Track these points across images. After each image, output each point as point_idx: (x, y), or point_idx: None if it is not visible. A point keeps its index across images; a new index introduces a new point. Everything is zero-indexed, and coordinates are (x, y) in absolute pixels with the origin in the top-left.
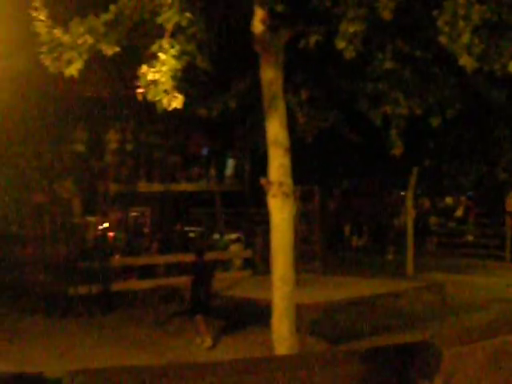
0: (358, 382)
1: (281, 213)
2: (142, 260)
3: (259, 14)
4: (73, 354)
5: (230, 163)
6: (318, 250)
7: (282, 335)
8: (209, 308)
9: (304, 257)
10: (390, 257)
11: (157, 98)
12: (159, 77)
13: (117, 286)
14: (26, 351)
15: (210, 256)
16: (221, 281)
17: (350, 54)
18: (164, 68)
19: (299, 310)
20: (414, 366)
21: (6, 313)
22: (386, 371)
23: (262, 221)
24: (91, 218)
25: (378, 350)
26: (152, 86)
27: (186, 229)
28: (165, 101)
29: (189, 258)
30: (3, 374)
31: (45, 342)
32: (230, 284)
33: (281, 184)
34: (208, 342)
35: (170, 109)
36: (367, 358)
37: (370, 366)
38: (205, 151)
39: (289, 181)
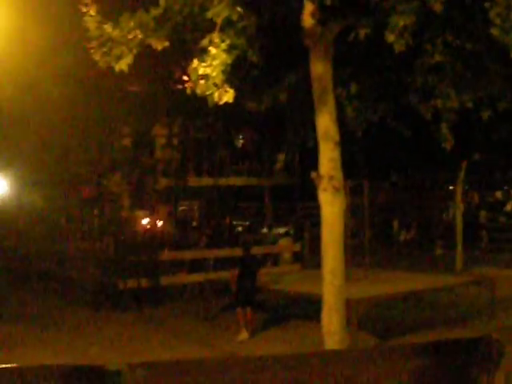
0: (417, 377)
1: (331, 207)
2: (190, 254)
3: (309, 7)
4: (122, 347)
5: (280, 157)
6: (367, 244)
7: (332, 329)
8: (254, 301)
9: (353, 251)
10: (438, 251)
11: (207, 93)
12: (210, 71)
13: (166, 280)
14: (76, 344)
15: (258, 250)
16: (270, 275)
17: (399, 47)
18: (215, 62)
19: (348, 304)
20: (476, 361)
21: (55, 306)
22: (447, 366)
23: (311, 215)
24: (140, 212)
25: (439, 344)
26: (203, 81)
27: (235, 223)
28: (216, 95)
29: (237, 252)
30: (63, 366)
31: (94, 335)
32: (279, 278)
33: (331, 178)
34: (244, 334)
35: (221, 103)
36: (427, 353)
37: (430, 360)
38: (254, 145)
39: (339, 175)
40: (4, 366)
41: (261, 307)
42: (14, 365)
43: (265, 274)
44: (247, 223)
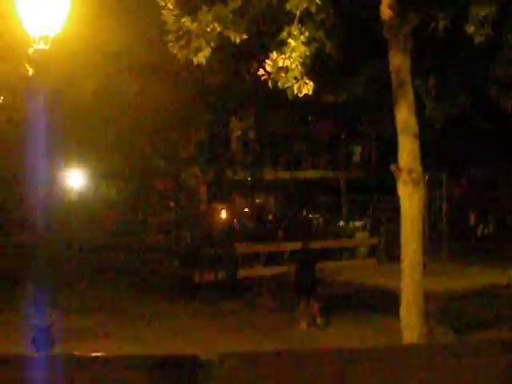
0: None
1: (410, 200)
2: (267, 247)
3: None
4: (198, 339)
5: (357, 150)
6: (445, 238)
7: (411, 323)
8: (316, 293)
9: (430, 245)
10: None
11: (287, 85)
12: (289, 63)
13: (242, 273)
14: (155, 335)
15: (335, 243)
16: (346, 268)
17: (479, 38)
18: (294, 54)
19: (426, 298)
20: None
21: (132, 298)
22: None
23: (387, 208)
24: (217, 205)
25: None
26: (282, 73)
27: (311, 216)
28: (295, 87)
29: (313, 245)
30: (156, 356)
31: (171, 326)
32: (356, 271)
33: (410, 170)
34: (303, 324)
35: (301, 95)
36: None
37: None
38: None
39: (418, 167)
40: (97, 354)
41: (323, 299)
42: (107, 354)
43: (341, 267)
44: (319, 216)
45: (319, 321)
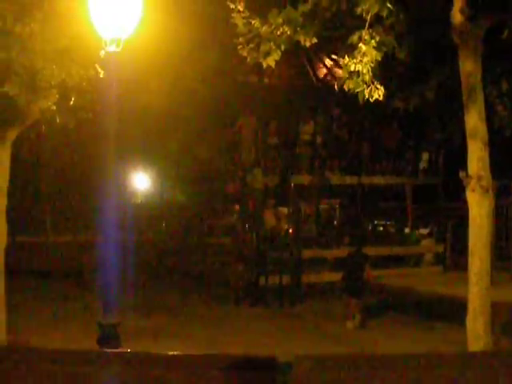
0: None
1: (479, 207)
2: (332, 252)
3: (458, 3)
4: (260, 342)
5: (424, 156)
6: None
7: (477, 333)
8: (360, 296)
9: (497, 254)
10: None
11: (358, 89)
12: (361, 68)
13: (307, 278)
14: (218, 337)
15: (400, 250)
16: (411, 275)
17: None
18: (365, 59)
19: (493, 309)
20: None
21: (196, 300)
22: None
23: (454, 215)
24: (283, 209)
25: None
26: (353, 77)
27: (376, 222)
28: (366, 92)
29: (379, 251)
30: (234, 356)
31: (235, 329)
32: (421, 278)
33: (479, 178)
34: (349, 324)
35: (372, 100)
36: None
37: None
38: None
39: (488, 175)
40: (175, 353)
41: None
42: (183, 353)
43: (405, 274)
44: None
45: (350, 323)
